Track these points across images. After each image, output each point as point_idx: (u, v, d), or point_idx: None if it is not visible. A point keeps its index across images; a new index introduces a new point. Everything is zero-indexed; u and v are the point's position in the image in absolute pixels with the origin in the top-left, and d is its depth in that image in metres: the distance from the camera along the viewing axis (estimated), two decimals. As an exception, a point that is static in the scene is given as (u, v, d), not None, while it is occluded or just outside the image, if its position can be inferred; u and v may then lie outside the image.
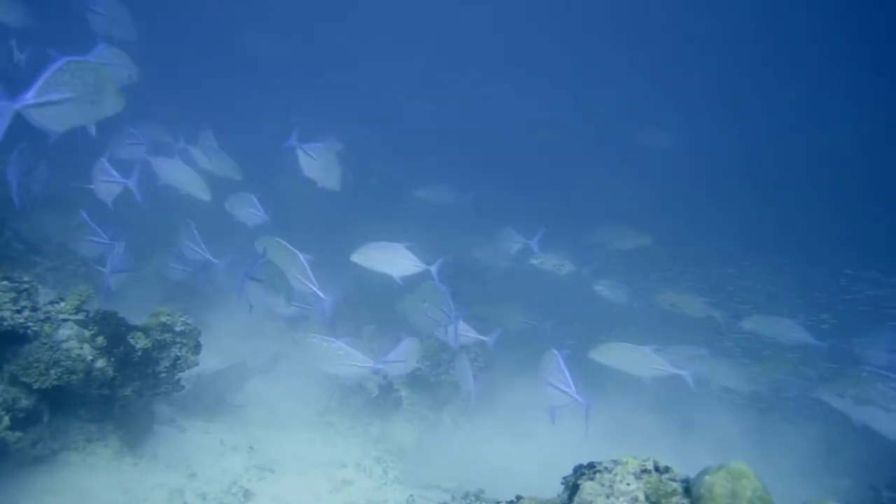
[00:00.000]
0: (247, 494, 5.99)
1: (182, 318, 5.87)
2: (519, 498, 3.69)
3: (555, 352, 5.97)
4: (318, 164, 7.46)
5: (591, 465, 3.51)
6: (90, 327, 5.27)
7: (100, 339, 5.24)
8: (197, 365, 6.12)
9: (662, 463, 3.43)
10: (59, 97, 4.10)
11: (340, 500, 6.32)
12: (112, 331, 5.29)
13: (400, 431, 8.33)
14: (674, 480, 3.31)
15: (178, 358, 5.77)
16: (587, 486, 3.32)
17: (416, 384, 9.41)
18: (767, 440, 9.12)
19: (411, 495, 6.35)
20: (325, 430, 7.92)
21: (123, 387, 5.49)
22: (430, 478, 7.16)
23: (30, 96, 4.02)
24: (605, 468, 3.41)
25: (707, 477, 3.16)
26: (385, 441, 7.99)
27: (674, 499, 3.21)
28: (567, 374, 5.83)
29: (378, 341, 9.43)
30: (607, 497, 3.23)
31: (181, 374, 5.97)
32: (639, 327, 10.91)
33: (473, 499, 6.26)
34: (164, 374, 5.77)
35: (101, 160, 6.93)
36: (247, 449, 6.85)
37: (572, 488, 3.42)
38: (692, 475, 3.33)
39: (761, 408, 10.05)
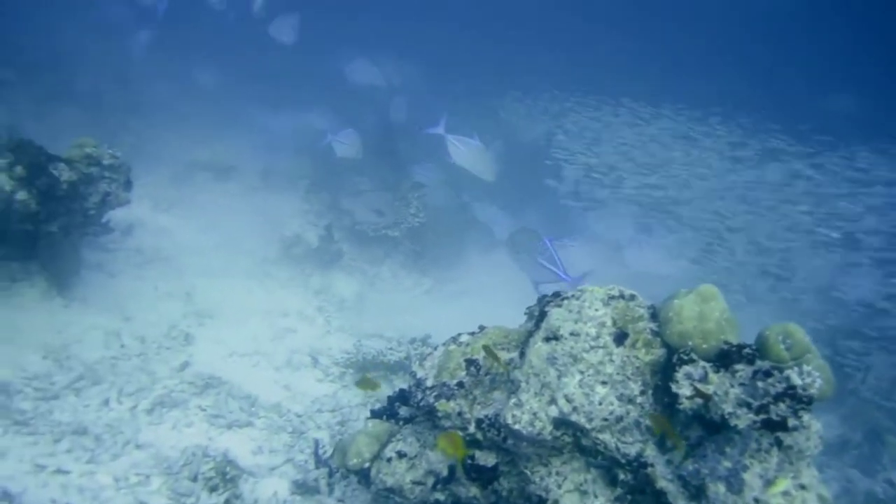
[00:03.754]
0: (187, 338, 5.82)
1: (109, 152, 5.39)
2: (482, 328, 3.65)
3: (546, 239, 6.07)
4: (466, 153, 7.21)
5: (557, 294, 3.47)
6: (4, 156, 4.76)
7: (18, 169, 4.75)
8: (129, 203, 5.72)
9: (628, 291, 3.42)
10: None
11: (284, 346, 6.25)
12: (31, 160, 4.79)
13: (341, 284, 8.24)
14: (640, 307, 3.31)
15: (107, 194, 5.35)
16: (555, 313, 3.28)
17: (355, 238, 9.26)
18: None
19: (358, 341, 6.33)
20: (264, 280, 7.73)
21: (48, 223, 5.07)
22: (373, 327, 7.17)
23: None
24: (573, 296, 3.37)
25: (676, 301, 3.16)
26: (326, 293, 7.90)
27: (641, 323, 3.22)
28: (557, 257, 5.96)
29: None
30: (575, 322, 3.20)
31: (111, 212, 5.57)
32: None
33: (420, 344, 6.30)
34: (93, 212, 5.37)
35: None
36: (184, 295, 6.62)
37: (539, 316, 3.38)
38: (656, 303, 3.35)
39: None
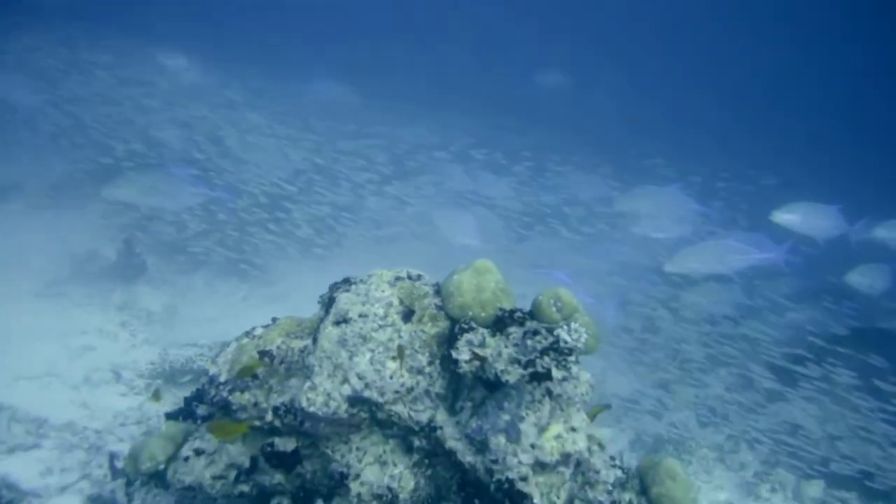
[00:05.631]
0: (-35, 368, 5.27)
1: None
2: (275, 319, 3.68)
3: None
4: None
5: (346, 280, 3.59)
6: None
7: None
8: None
9: (415, 272, 3.62)
10: None
11: (81, 365, 5.85)
12: None
13: (147, 297, 7.83)
14: (426, 285, 3.51)
15: None
16: (343, 298, 3.39)
17: (163, 249, 8.84)
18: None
19: (164, 350, 6.07)
20: (57, 300, 7.17)
21: None
22: (186, 338, 6.89)
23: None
24: (361, 280, 3.51)
25: (456, 276, 3.39)
26: (130, 308, 7.46)
27: (426, 300, 3.42)
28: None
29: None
30: (363, 304, 3.34)
31: None
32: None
33: (232, 348, 6.15)
34: None
35: None
36: (-41, 323, 5.99)
37: (329, 302, 3.48)
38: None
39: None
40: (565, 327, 3.28)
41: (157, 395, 3.60)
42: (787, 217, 7.55)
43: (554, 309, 3.35)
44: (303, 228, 9.84)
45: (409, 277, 3.54)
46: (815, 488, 6.28)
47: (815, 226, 7.63)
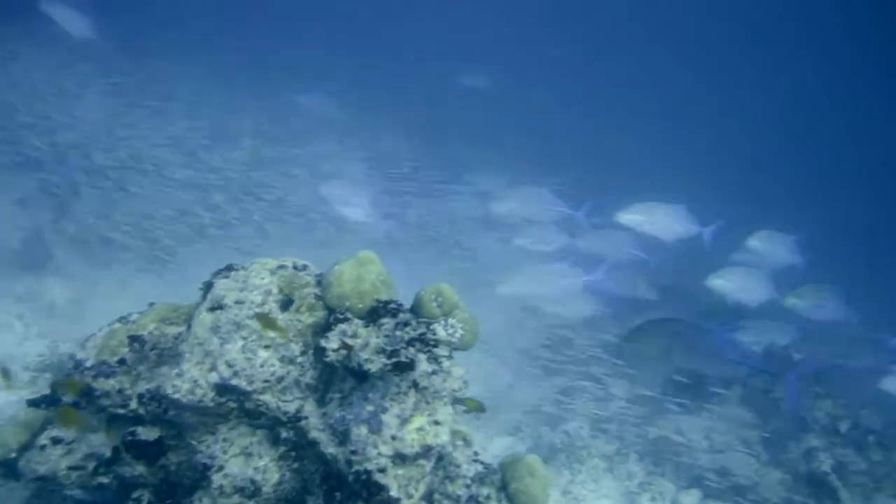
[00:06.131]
0: None
1: None
2: (152, 304, 3.57)
3: None
4: None
5: (228, 267, 3.51)
6: None
7: None
8: None
9: (301, 262, 3.56)
10: None
11: (-33, 357, 5.56)
12: None
13: (54, 289, 7.53)
14: (309, 275, 3.46)
15: None
16: (221, 283, 3.32)
17: (71, 243, 8.54)
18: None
19: (53, 342, 5.84)
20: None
21: None
22: (85, 332, 6.63)
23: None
24: (242, 267, 3.44)
25: (337, 266, 3.36)
26: (32, 300, 7.17)
27: (306, 289, 3.37)
28: None
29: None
30: (240, 291, 3.27)
31: None
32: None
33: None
34: None
35: None
36: None
37: (206, 287, 3.40)
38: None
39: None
40: (442, 322, 3.28)
41: (5, 375, 3.42)
42: (631, 217, 7.46)
43: (434, 304, 3.35)
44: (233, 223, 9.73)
45: (295, 267, 3.49)
46: (692, 498, 6.42)
47: (661, 226, 7.50)
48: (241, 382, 3.05)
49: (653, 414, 7.50)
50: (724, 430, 7.08)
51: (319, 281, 3.43)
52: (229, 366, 3.05)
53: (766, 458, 6.90)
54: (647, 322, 7.74)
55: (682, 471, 6.90)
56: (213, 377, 3.06)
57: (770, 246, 7.70)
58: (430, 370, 3.06)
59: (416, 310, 3.36)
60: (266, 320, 2.95)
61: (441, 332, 3.23)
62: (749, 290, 7.38)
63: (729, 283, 7.33)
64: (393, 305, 3.17)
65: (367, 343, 3.00)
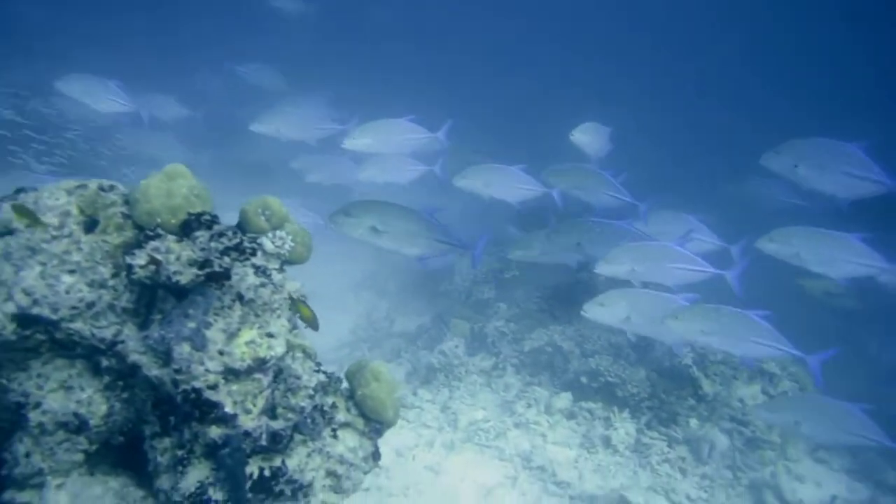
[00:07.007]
0: None
1: None
2: None
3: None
4: None
5: (19, 190, 3.17)
6: None
7: None
8: None
9: (108, 183, 3.29)
10: None
11: None
12: None
13: None
14: (116, 195, 3.21)
15: None
16: (7, 207, 3.01)
17: None
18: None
19: None
20: None
21: None
22: None
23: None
24: (33, 189, 3.14)
25: (143, 182, 3.13)
26: None
27: (113, 209, 3.12)
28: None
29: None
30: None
31: None
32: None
33: None
34: None
35: None
36: None
37: (-5, 214, 3.07)
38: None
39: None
40: (270, 235, 3.17)
41: None
42: (580, 137, 7.71)
43: (262, 218, 3.22)
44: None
45: (101, 188, 3.21)
46: (563, 401, 6.82)
47: (602, 146, 7.85)
48: (44, 311, 2.83)
49: (528, 329, 7.81)
50: (595, 339, 7.45)
51: (126, 200, 3.19)
52: (27, 294, 2.81)
53: (634, 357, 7.35)
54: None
55: (557, 377, 7.28)
56: (10, 307, 2.80)
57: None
58: (257, 283, 2.96)
59: (242, 225, 3.22)
60: (22, 210, 2.75)
61: (269, 244, 3.12)
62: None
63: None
64: (207, 217, 3.01)
65: (178, 256, 2.84)
